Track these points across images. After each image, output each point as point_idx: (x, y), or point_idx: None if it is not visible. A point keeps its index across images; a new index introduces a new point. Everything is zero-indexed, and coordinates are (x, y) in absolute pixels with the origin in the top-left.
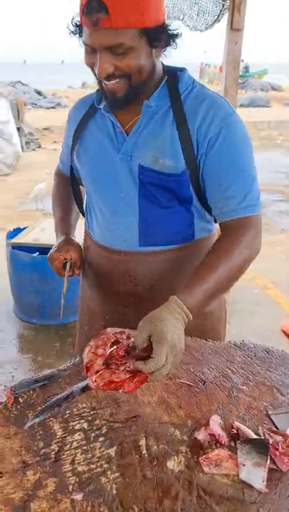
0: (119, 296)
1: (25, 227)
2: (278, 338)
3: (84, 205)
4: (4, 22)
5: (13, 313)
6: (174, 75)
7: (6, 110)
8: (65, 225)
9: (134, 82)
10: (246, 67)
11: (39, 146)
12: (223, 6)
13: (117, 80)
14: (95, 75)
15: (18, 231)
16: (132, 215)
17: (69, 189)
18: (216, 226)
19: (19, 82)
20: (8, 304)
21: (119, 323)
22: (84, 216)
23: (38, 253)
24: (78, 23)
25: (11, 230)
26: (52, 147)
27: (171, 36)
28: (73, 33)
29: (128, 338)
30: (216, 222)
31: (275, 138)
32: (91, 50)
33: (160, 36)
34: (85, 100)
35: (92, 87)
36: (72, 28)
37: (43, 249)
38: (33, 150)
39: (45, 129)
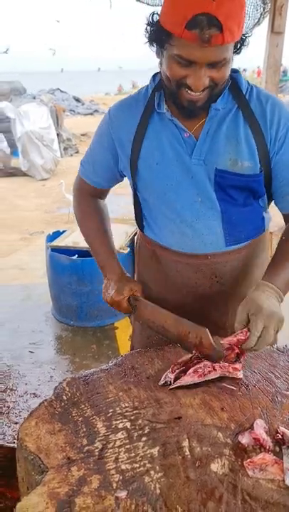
0: (203, 298)
1: (64, 231)
2: None
3: (141, 215)
4: (45, 33)
5: (52, 314)
6: (231, 76)
7: (47, 117)
8: (110, 259)
9: (216, 91)
10: (284, 71)
11: (77, 152)
12: (263, 10)
13: (204, 92)
14: (179, 85)
15: (57, 234)
16: (214, 218)
17: (97, 206)
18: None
19: (58, 89)
20: (47, 306)
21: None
22: (140, 227)
23: (76, 256)
24: (158, 33)
25: (51, 233)
26: None
27: (246, 36)
28: (151, 43)
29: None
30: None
31: None
32: (186, 63)
33: (243, 42)
34: (132, 104)
35: (128, 92)
36: (154, 37)
37: (82, 252)
38: (71, 155)
39: (82, 134)
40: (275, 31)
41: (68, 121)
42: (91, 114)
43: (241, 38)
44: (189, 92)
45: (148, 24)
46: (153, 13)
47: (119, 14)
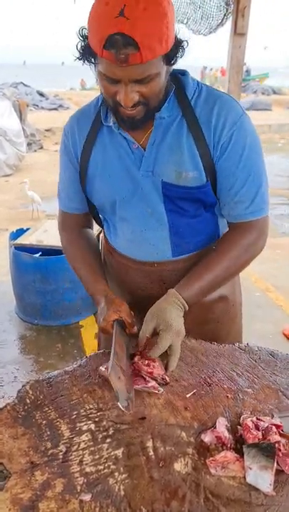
0: (153, 300)
1: (28, 228)
2: (280, 342)
3: (99, 218)
4: (3, 21)
5: (16, 313)
6: (177, 79)
7: (9, 111)
8: (97, 285)
9: (151, 105)
10: (248, 71)
11: (41, 147)
12: (227, 11)
13: (138, 107)
14: (115, 102)
15: (21, 232)
16: (162, 229)
17: (81, 234)
18: None
19: (21, 83)
20: (10, 305)
21: None
22: (103, 231)
23: (40, 254)
24: (86, 49)
25: (14, 230)
26: (54, 148)
27: (182, 46)
28: (80, 59)
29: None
30: None
31: (276, 141)
32: (111, 81)
33: (176, 53)
34: (82, 117)
35: (95, 88)
36: (79, 54)
37: (46, 251)
38: (35, 151)
39: (47, 130)
40: (237, 33)
41: (32, 116)
42: (55, 109)
43: (176, 48)
44: (123, 108)
45: (79, 39)
46: (83, 28)
47: (84, 8)
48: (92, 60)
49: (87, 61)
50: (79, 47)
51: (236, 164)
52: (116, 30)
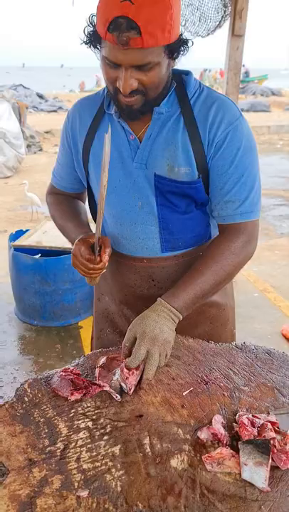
0: (142, 299)
1: (27, 230)
2: (278, 342)
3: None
4: (3, 22)
5: (15, 314)
6: (180, 78)
7: (9, 113)
8: (79, 228)
9: (150, 96)
10: (246, 73)
11: (40, 150)
12: (224, 13)
13: (136, 96)
14: (115, 88)
15: (20, 233)
16: (151, 224)
17: (72, 202)
18: None
19: (21, 85)
20: (9, 306)
21: None
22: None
23: (40, 255)
24: (93, 34)
25: (14, 232)
26: (53, 150)
27: (186, 44)
28: (87, 43)
29: None
30: None
31: (275, 142)
32: (113, 65)
33: (179, 48)
34: (88, 103)
35: (92, 90)
36: (86, 39)
37: (45, 252)
38: (34, 153)
39: (46, 132)
40: (235, 34)
41: (31, 118)
42: (55, 111)
43: (179, 43)
44: (122, 95)
45: (88, 25)
46: (92, 15)
47: (83, 10)
48: (98, 46)
49: (93, 46)
50: (86, 31)
51: (229, 164)
52: (121, 14)
